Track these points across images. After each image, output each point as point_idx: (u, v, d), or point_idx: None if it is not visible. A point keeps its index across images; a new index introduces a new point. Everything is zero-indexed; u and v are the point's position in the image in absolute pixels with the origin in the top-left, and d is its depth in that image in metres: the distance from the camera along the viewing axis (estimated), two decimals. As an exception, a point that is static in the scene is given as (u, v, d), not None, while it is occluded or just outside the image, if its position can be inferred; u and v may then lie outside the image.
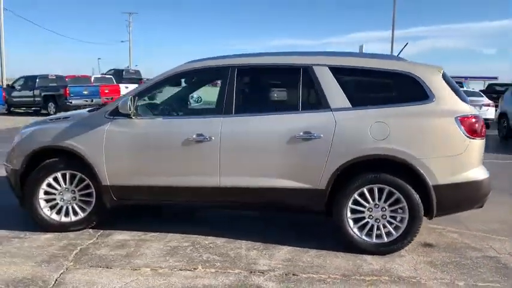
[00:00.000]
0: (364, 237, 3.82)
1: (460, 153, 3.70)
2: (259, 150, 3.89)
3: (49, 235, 4.14)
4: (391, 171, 3.73)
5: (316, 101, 3.92)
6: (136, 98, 4.07)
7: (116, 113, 4.11)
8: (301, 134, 3.80)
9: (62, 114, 4.83)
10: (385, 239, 3.79)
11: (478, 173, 3.80)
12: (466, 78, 35.44)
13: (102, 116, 4.17)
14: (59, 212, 4.24)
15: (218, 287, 3.17)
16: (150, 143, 4.03)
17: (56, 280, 3.23)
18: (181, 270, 3.44)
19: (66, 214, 4.24)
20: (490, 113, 14.95)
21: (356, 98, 3.85)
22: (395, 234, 3.77)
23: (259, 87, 4.22)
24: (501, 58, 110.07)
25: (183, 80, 4.86)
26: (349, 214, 3.81)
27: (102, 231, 4.27)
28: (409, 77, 3.86)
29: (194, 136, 3.93)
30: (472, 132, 3.72)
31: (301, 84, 3.96)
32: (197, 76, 4.53)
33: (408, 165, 3.68)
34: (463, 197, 3.80)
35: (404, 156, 3.67)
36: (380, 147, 3.70)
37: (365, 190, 3.77)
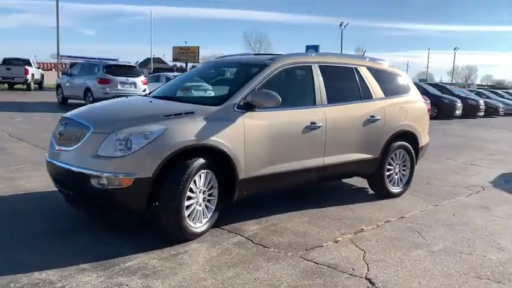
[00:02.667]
0: (392, 186, 5.56)
1: (426, 125, 6.00)
2: (347, 132, 4.92)
3: (197, 244, 3.75)
4: (404, 140, 5.60)
5: (367, 93, 5.26)
6: None
7: (243, 106, 4.10)
8: (369, 117, 5.11)
9: (174, 108, 4.00)
10: (400, 185, 5.67)
11: (428, 137, 6.21)
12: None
13: (232, 109, 4.04)
14: (193, 217, 3.83)
15: (407, 232, 4.27)
16: (280, 132, 4.29)
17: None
18: (363, 231, 4.24)
19: (197, 218, 3.89)
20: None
21: (384, 90, 5.46)
22: (404, 181, 5.71)
23: (335, 81, 5.04)
24: (99, 39, 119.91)
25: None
26: (386, 172, 5.45)
27: (217, 229, 4.13)
28: (400, 75, 5.83)
29: (309, 124, 4.52)
30: (428, 111, 6.07)
31: (358, 80, 5.21)
32: (292, 70, 4.80)
33: (414, 135, 5.66)
34: (423, 153, 6.13)
35: (413, 129, 5.63)
36: (405, 124, 5.51)
37: (393, 154, 5.50)
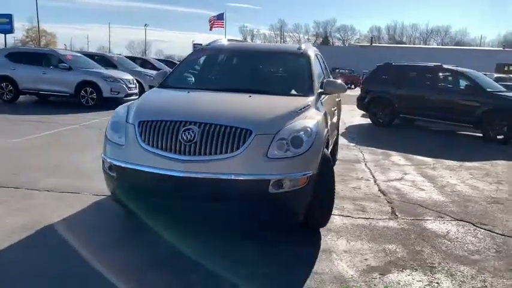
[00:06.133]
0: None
1: None
2: None
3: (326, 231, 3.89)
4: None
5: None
6: None
7: (318, 95, 4.28)
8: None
9: (289, 102, 3.56)
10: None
11: None
12: None
13: (319, 98, 4.22)
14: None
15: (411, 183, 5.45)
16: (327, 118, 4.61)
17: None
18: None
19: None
20: None
21: None
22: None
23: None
24: None
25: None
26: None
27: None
28: None
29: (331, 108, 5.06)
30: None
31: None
32: (317, 57, 4.89)
33: None
34: None
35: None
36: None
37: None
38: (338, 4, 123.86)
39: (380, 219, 4.20)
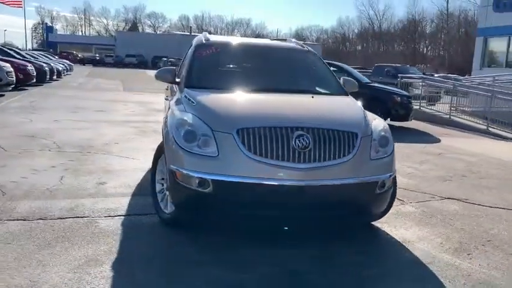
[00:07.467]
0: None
1: None
2: None
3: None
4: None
5: None
6: None
7: None
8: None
9: (345, 100, 3.31)
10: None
11: None
12: None
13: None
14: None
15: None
16: None
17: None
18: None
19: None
20: None
21: None
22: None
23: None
24: None
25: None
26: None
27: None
28: None
29: None
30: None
31: None
32: None
33: None
34: None
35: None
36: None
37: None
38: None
39: (400, 206, 4.60)
